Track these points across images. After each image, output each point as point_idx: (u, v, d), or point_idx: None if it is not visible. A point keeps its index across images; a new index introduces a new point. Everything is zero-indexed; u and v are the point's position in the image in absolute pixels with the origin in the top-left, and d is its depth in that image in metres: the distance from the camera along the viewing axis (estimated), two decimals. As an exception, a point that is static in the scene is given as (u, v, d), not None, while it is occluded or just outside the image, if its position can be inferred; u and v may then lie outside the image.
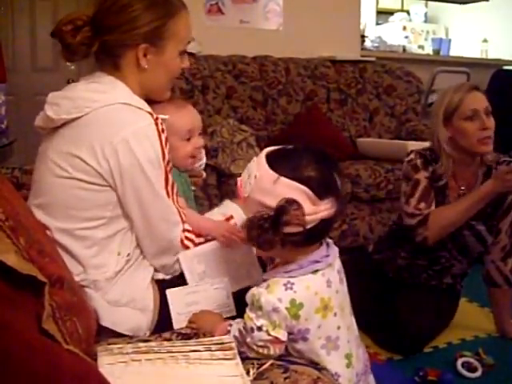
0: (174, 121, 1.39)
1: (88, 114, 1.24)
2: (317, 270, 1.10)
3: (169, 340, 1.19)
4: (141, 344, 1.08)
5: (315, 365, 1.10)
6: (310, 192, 1.04)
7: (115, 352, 1.04)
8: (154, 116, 1.27)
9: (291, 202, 1.02)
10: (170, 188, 1.29)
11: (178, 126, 1.43)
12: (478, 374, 1.80)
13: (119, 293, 1.29)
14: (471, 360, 1.84)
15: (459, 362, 1.83)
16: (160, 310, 1.33)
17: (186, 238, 1.33)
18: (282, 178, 1.04)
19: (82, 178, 1.24)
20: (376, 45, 5.15)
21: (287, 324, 1.07)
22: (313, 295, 1.08)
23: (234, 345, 1.05)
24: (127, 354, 1.03)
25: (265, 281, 1.12)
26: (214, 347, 1.05)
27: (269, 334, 1.07)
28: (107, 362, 1.01)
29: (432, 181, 2.06)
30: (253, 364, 1.05)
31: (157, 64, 1.33)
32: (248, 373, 1.02)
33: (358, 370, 1.16)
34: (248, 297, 1.11)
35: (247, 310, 1.11)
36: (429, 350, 1.98)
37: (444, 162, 2.04)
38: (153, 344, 1.10)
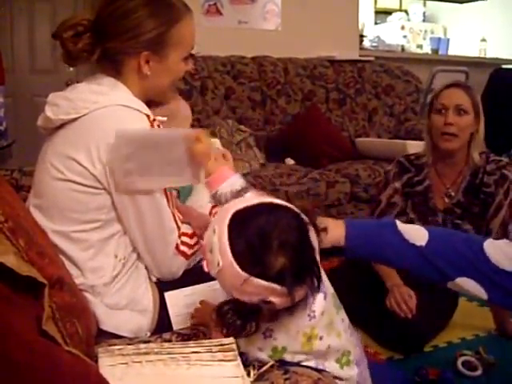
0: (184, 108, 1.54)
1: (86, 116, 1.23)
2: None
3: (169, 341, 1.19)
4: (141, 345, 1.08)
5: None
6: (281, 289, 0.93)
7: (116, 353, 1.04)
8: (151, 118, 1.26)
9: (265, 302, 0.95)
10: (167, 191, 1.28)
11: (189, 112, 1.57)
12: (479, 372, 1.80)
13: (118, 296, 1.28)
14: (471, 359, 1.84)
15: (459, 360, 1.83)
16: (160, 311, 1.33)
17: (182, 242, 1.32)
18: (252, 279, 0.92)
19: (77, 181, 1.23)
20: (374, 44, 5.15)
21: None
22: (294, 335, 1.03)
23: (234, 346, 1.05)
24: (128, 355, 1.03)
25: None
26: (214, 348, 1.05)
27: (257, 358, 1.06)
28: (108, 364, 1.01)
29: (408, 187, 2.15)
30: (253, 365, 1.05)
31: (159, 70, 1.32)
32: (248, 374, 1.02)
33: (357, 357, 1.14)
34: None
35: None
36: (429, 350, 1.98)
37: (427, 154, 2.13)
38: (153, 345, 1.10)
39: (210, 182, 1.21)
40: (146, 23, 1.27)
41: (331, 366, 1.10)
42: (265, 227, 0.94)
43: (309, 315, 1.03)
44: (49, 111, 1.27)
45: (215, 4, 3.69)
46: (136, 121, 1.24)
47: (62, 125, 1.27)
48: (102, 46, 1.28)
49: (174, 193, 1.45)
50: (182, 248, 1.32)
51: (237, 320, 0.97)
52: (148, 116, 1.26)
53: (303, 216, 0.99)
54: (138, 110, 1.25)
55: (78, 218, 1.25)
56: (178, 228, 1.31)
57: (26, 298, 0.84)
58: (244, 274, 0.92)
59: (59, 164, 1.25)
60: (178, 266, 1.33)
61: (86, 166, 1.22)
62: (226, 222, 0.95)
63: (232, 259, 0.93)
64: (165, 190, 1.27)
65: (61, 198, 1.25)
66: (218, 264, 0.94)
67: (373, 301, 2.08)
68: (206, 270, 1.00)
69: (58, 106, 1.26)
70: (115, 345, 1.10)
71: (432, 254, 1.15)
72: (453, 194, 2.11)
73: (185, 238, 1.32)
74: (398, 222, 1.21)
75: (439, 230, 1.24)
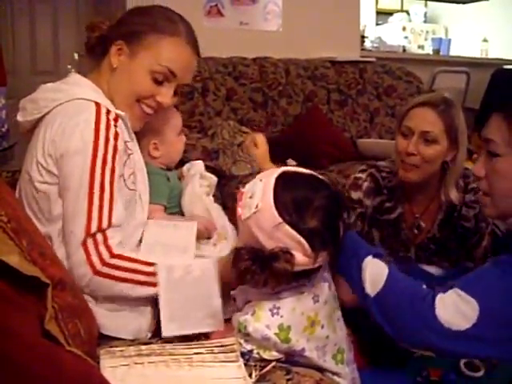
0: (172, 116, 1.45)
1: (48, 114, 1.22)
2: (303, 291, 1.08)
3: (170, 342, 1.19)
4: (143, 347, 1.08)
5: (318, 366, 1.10)
6: (307, 246, 1.00)
7: (117, 355, 1.04)
8: (105, 109, 1.21)
9: (286, 252, 0.99)
10: (103, 182, 1.17)
11: (177, 121, 1.47)
12: (481, 373, 1.79)
13: (116, 298, 1.27)
14: (474, 359, 1.83)
15: (462, 361, 1.82)
16: (159, 311, 1.32)
17: (95, 241, 1.15)
18: (284, 225, 0.99)
19: (39, 180, 1.20)
20: (376, 45, 5.15)
21: (278, 348, 1.06)
22: (299, 316, 1.06)
23: (236, 347, 1.05)
24: (129, 356, 1.04)
25: (249, 302, 1.10)
26: (216, 349, 1.05)
27: (261, 356, 1.06)
28: (110, 365, 1.01)
29: (378, 213, 1.80)
30: (255, 366, 1.05)
31: (125, 68, 1.28)
32: (250, 375, 1.02)
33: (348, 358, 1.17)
34: (234, 323, 1.10)
35: (235, 333, 1.09)
36: (431, 351, 1.98)
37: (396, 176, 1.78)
38: (155, 347, 1.10)
39: None
40: (134, 17, 1.31)
41: (329, 361, 1.11)
42: (310, 189, 1.03)
43: (313, 298, 1.08)
44: (19, 116, 1.28)
45: (216, 5, 3.69)
46: (81, 110, 1.20)
47: (33, 129, 1.26)
48: (105, 37, 1.31)
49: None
50: (93, 256, 1.15)
51: (252, 265, 1.00)
52: (98, 104, 1.21)
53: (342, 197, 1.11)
54: (91, 100, 1.22)
55: (54, 214, 1.20)
56: (95, 225, 1.15)
57: (29, 299, 0.84)
58: (279, 218, 0.99)
59: (30, 169, 1.22)
60: (83, 273, 1.16)
61: (41, 162, 1.19)
62: (275, 175, 1.04)
63: (272, 203, 1.00)
64: (91, 180, 1.16)
65: (34, 201, 1.22)
66: (257, 206, 1.01)
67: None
68: (238, 213, 1.05)
69: (26, 109, 1.27)
70: (116, 346, 1.10)
71: (376, 308, 1.05)
72: (423, 224, 1.81)
73: (101, 247, 1.16)
74: (367, 258, 1.08)
75: (395, 285, 1.06)
